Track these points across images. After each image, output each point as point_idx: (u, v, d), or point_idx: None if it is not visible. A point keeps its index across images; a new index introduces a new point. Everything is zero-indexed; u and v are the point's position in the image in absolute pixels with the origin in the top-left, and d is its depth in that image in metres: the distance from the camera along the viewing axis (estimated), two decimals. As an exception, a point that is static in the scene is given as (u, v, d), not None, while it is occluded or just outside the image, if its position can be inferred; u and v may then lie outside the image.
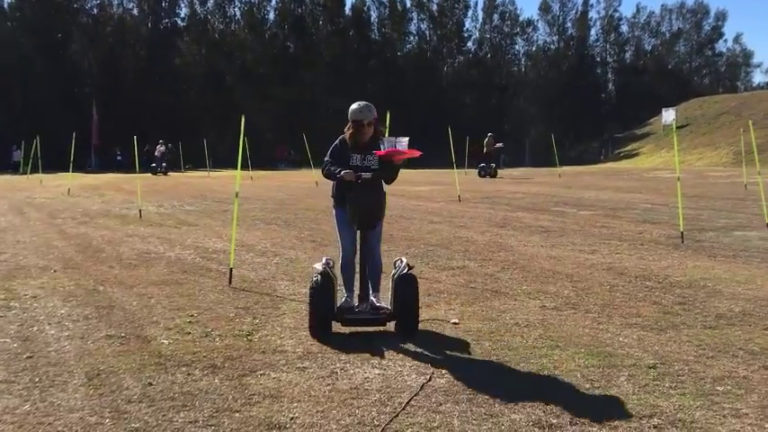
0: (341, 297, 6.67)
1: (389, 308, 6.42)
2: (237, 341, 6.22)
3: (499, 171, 33.16)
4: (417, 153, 6.36)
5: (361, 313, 6.47)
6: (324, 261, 6.51)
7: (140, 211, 16.40)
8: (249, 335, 6.42)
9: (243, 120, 9.42)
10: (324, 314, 6.29)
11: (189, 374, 5.34)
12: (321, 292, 6.26)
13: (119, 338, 6.31)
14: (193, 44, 70.65)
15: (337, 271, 6.60)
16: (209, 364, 5.58)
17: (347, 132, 6.50)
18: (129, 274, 9.35)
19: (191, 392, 4.96)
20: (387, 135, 7.60)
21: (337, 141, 6.58)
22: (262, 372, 5.40)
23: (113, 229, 14.04)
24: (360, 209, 6.30)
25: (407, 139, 6.26)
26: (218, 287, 8.47)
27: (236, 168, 10.03)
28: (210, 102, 65.48)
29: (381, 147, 6.32)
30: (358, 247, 6.54)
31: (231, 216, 9.63)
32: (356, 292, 6.57)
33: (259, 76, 68.84)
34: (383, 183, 6.52)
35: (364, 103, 6.48)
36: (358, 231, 6.45)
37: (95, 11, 70.52)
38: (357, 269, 6.66)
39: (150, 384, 5.11)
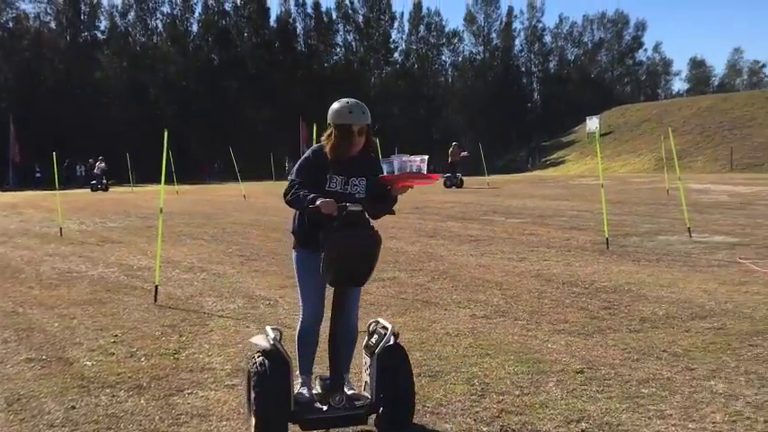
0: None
1: (367, 395, 4.50)
2: (164, 360, 6.08)
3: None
4: (435, 177, 4.80)
5: (333, 409, 4.34)
6: (269, 333, 4.48)
7: (61, 229, 15.93)
8: (176, 353, 6.28)
9: (166, 134, 9.25)
10: (275, 417, 4.23)
11: (113, 396, 5.20)
12: (269, 383, 4.21)
13: (39, 361, 6.11)
14: (114, 57, 69.38)
15: (288, 342, 4.71)
16: (134, 384, 5.44)
17: (326, 142, 4.47)
18: (50, 294, 9.06)
19: (116, 414, 4.83)
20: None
21: (309, 153, 4.53)
22: (189, 391, 5.29)
23: (33, 248, 13.60)
24: (344, 258, 4.19)
25: (426, 157, 4.64)
26: (143, 305, 8.27)
27: (160, 183, 9.84)
28: (133, 115, 64.28)
29: (385, 167, 4.54)
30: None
31: (156, 232, 9.43)
32: (315, 374, 4.71)
33: (183, 88, 68.02)
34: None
35: (354, 100, 4.50)
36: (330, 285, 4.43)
37: (11, 24, 68.58)
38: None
39: (73, 408, 4.96)
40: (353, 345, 4.66)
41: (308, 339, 4.60)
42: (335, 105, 4.47)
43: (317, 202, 4.13)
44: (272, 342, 4.37)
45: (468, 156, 33.12)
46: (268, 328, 4.55)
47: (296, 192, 4.29)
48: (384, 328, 4.57)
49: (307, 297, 4.55)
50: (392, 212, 4.50)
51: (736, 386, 5.17)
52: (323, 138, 4.50)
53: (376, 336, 4.58)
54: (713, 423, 4.52)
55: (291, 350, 4.61)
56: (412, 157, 4.60)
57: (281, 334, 4.46)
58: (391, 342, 4.48)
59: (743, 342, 6.30)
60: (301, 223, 4.54)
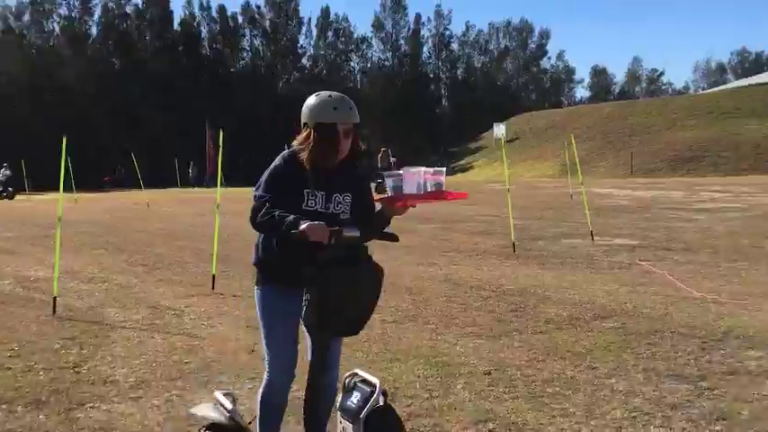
0: None
1: None
2: (64, 373, 5.85)
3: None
4: (464, 195, 3.75)
5: None
6: (221, 401, 3.61)
7: (-47, 239, 15.21)
8: (77, 366, 6.06)
9: (65, 140, 8.96)
10: None
11: (10, 411, 4.98)
12: None
13: (-73, 379, 5.79)
14: (8, 61, 66.62)
15: (250, 410, 3.85)
16: (33, 399, 5.22)
17: (303, 147, 3.47)
18: (-60, 308, 8.61)
19: (13, 431, 4.63)
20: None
21: (280, 161, 3.51)
22: (91, 404, 5.12)
23: None
24: (340, 301, 3.24)
25: (444, 169, 3.57)
26: (40, 318, 7.94)
27: (58, 191, 9.50)
28: (29, 121, 61.74)
29: (389, 183, 3.52)
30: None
31: (54, 241, 9.09)
32: None
33: (82, 93, 65.92)
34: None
35: (338, 94, 3.49)
36: (306, 333, 3.48)
37: None
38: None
39: (-34, 427, 4.73)
40: (332, 405, 3.69)
41: (276, 403, 3.62)
42: (313, 100, 3.45)
43: (302, 226, 3.14)
44: (227, 414, 3.44)
45: (396, 161, 33.55)
46: (219, 395, 3.60)
47: (268, 212, 3.29)
48: (367, 383, 3.53)
49: (276, 349, 3.55)
50: (395, 239, 3.64)
51: (636, 383, 5.34)
52: (295, 142, 3.50)
53: (357, 394, 3.51)
54: (614, 420, 4.66)
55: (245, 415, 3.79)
56: (425, 169, 3.44)
57: (235, 399, 3.59)
58: (381, 403, 3.48)
59: (642, 341, 6.52)
60: (269, 252, 3.52)
